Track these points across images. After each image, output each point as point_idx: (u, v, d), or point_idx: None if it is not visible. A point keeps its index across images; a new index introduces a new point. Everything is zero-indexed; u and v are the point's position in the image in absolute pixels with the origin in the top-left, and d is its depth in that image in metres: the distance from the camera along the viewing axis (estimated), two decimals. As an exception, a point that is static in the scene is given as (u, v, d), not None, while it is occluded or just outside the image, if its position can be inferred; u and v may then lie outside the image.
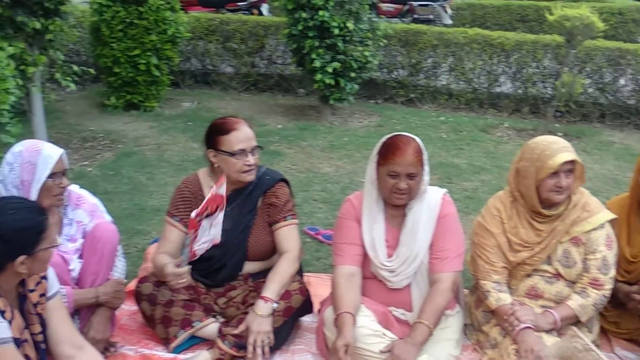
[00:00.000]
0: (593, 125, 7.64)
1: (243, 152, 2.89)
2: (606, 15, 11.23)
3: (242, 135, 2.90)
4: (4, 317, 2.05)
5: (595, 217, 2.79)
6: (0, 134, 3.36)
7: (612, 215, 2.82)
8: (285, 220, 3.00)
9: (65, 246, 2.80)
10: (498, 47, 7.92)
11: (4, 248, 2.04)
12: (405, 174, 2.68)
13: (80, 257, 2.87)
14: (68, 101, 7.70)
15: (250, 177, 2.94)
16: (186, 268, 2.72)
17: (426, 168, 2.77)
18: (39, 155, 2.60)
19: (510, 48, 7.88)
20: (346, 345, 2.51)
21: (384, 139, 2.78)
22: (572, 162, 2.72)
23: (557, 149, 2.71)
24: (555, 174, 2.69)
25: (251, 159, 2.91)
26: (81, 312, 2.84)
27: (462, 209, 4.68)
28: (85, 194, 2.97)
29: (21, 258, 2.06)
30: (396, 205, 2.82)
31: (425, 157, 2.75)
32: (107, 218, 3.00)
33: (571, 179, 2.74)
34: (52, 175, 2.61)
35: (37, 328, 2.25)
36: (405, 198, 2.76)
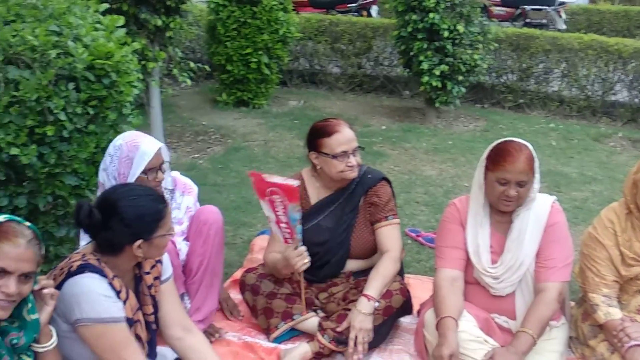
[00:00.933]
0: None
1: (345, 154, 2.91)
2: None
3: (343, 138, 2.92)
4: (119, 297, 2.16)
5: None
6: (122, 125, 3.54)
7: None
8: (387, 219, 3.01)
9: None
10: (615, 54, 7.56)
11: (124, 231, 2.15)
12: (515, 182, 2.62)
13: (187, 240, 3.00)
14: (182, 96, 8.04)
15: (352, 174, 2.97)
16: (303, 247, 2.80)
17: (537, 176, 2.70)
18: (137, 151, 2.67)
19: (628, 55, 7.51)
20: (451, 354, 2.47)
21: (494, 143, 2.72)
22: None
23: None
24: None
25: (353, 160, 2.93)
26: (190, 292, 2.97)
27: (570, 219, 4.49)
28: (189, 182, 3.07)
29: (139, 242, 2.17)
30: (503, 211, 2.77)
31: (536, 164, 2.68)
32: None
33: None
34: (146, 171, 2.67)
35: (150, 309, 2.36)
36: (513, 205, 2.70)
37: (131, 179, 2.65)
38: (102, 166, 2.75)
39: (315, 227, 2.98)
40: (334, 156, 2.91)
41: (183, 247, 2.97)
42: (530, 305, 2.70)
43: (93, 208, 2.15)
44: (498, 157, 2.64)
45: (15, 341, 1.93)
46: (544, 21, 12.22)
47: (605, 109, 7.81)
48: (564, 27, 12.03)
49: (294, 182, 2.73)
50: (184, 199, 3.00)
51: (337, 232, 3.02)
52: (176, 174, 3.06)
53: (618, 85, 7.78)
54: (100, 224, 2.15)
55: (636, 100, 7.66)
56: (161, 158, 2.74)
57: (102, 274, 2.14)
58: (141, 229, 2.17)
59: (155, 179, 2.71)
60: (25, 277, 1.88)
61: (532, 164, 2.64)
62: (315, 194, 3.09)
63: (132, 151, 2.67)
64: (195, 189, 3.08)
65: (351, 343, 2.78)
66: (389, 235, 3.00)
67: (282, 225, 2.82)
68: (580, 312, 2.97)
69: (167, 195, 2.94)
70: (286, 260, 2.84)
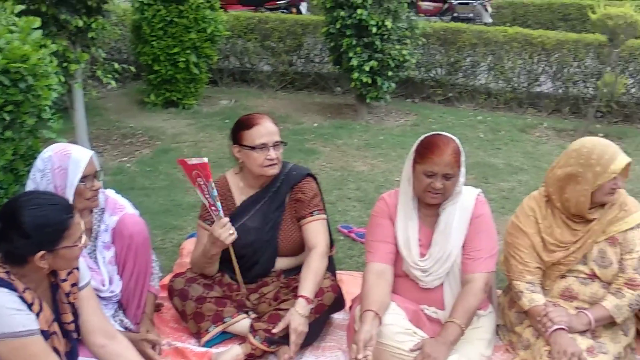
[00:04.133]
0: (635, 126, 7.48)
1: (264, 146, 2.91)
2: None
3: (263, 130, 2.92)
4: (31, 310, 2.08)
5: (632, 216, 2.74)
6: (42, 130, 3.42)
7: (649, 215, 2.77)
8: (312, 215, 3.01)
9: (101, 253, 2.80)
10: (539, 46, 7.80)
11: (24, 242, 2.05)
12: (441, 174, 2.66)
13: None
14: (109, 98, 7.85)
15: (272, 171, 2.96)
16: (227, 219, 2.81)
17: (462, 169, 2.74)
18: (69, 160, 2.56)
19: (551, 47, 7.76)
20: (365, 340, 2.49)
21: (422, 137, 2.76)
22: None
23: (614, 152, 2.67)
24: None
25: (272, 154, 2.92)
26: (125, 303, 2.89)
27: (497, 209, 4.63)
28: (121, 200, 2.94)
29: (40, 253, 2.07)
30: (430, 205, 2.80)
31: (462, 158, 2.73)
32: None
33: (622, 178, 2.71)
34: (83, 179, 2.57)
35: (69, 317, 2.27)
36: (439, 198, 2.74)
37: (70, 190, 2.54)
38: (31, 185, 2.59)
39: (241, 228, 2.95)
40: (253, 148, 2.90)
41: (116, 280, 2.82)
42: (458, 296, 2.76)
43: None
44: (426, 150, 2.68)
45: None
46: (471, 15, 12.53)
47: (531, 100, 8.05)
48: (490, 20, 12.36)
49: (204, 158, 2.76)
50: (112, 220, 2.84)
51: (264, 230, 3.01)
52: (110, 192, 2.92)
53: (542, 77, 8.03)
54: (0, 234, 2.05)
55: (560, 91, 7.93)
56: (95, 166, 2.65)
57: (11, 287, 2.05)
58: (42, 240, 2.06)
59: (92, 187, 2.62)
60: None
61: (458, 157, 2.69)
62: (239, 194, 3.06)
63: (64, 160, 2.56)
64: (126, 208, 2.91)
65: (293, 347, 2.76)
66: (315, 230, 2.99)
67: (213, 208, 2.82)
68: (506, 300, 3.05)
69: (97, 215, 2.82)
70: (212, 236, 2.81)
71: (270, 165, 2.94)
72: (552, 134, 6.98)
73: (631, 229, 2.73)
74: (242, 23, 8.61)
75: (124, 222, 2.83)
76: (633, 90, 7.57)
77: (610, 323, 2.74)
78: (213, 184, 2.78)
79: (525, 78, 8.02)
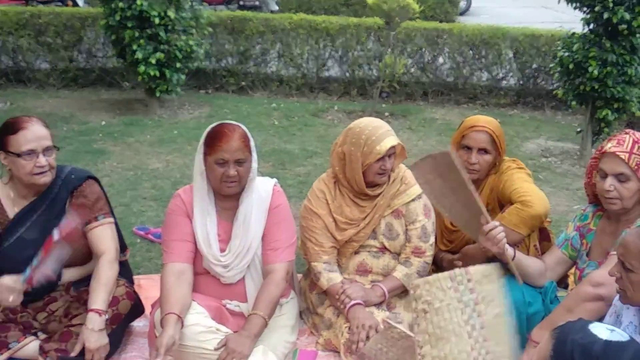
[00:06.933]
0: (417, 104, 7.99)
1: (32, 152, 2.66)
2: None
3: (30, 135, 2.66)
4: None
5: (412, 189, 2.90)
6: None
7: (427, 186, 2.94)
8: (97, 220, 2.80)
9: None
10: (323, 32, 8.03)
11: None
12: (233, 160, 2.62)
13: None
14: None
15: (43, 179, 2.71)
16: (22, 285, 2.50)
17: (254, 155, 2.72)
18: None
19: (335, 32, 8.02)
20: (168, 344, 2.41)
21: (209, 128, 2.73)
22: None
23: (382, 134, 2.77)
24: (381, 158, 2.75)
25: (42, 160, 2.68)
26: None
27: (296, 194, 4.70)
28: None
29: None
30: (227, 198, 2.74)
31: (252, 143, 2.70)
32: None
33: (393, 160, 2.82)
34: None
35: None
36: (235, 186, 2.69)
37: None
38: None
39: (18, 242, 2.67)
40: (19, 155, 2.64)
41: None
42: (260, 288, 2.74)
43: None
44: (213, 140, 2.65)
45: None
46: (257, 3, 12.63)
47: (321, 84, 8.28)
48: (276, 8, 12.56)
49: None
50: None
51: (44, 241, 2.74)
52: None
53: (330, 61, 8.28)
54: None
55: (347, 74, 8.23)
56: None
57: None
58: None
59: None
60: None
61: (247, 142, 2.67)
62: (12, 205, 2.77)
63: None
64: None
65: None
66: (102, 236, 2.80)
67: None
68: (307, 283, 3.09)
69: None
70: None
71: (41, 173, 2.68)
72: (342, 116, 7.23)
73: (412, 200, 2.90)
74: (12, 19, 7.88)
75: None
76: (412, 70, 8.08)
77: (403, 292, 2.89)
78: None
79: (313, 64, 8.22)
